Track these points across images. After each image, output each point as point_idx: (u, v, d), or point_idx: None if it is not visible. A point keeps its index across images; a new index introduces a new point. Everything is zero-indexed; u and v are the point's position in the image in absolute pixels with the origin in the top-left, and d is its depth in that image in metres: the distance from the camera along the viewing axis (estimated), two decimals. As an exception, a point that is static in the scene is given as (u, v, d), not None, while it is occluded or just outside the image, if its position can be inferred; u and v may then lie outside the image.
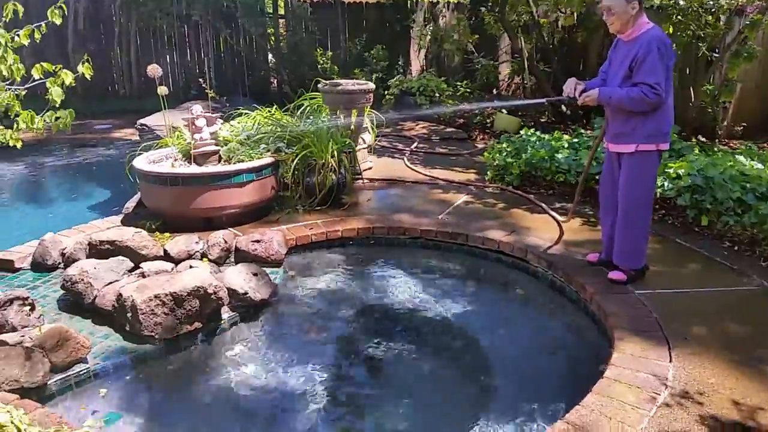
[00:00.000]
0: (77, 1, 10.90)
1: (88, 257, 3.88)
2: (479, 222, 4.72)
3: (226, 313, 3.41)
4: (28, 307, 3.04)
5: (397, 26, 11.27)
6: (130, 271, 3.65)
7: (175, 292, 3.14)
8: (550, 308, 3.82)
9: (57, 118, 2.69)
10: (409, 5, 11.41)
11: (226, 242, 4.10)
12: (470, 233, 4.48)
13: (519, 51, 8.83)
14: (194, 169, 4.75)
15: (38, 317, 3.08)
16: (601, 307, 3.36)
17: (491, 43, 10.32)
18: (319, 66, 10.36)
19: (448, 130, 8.36)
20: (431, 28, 10.72)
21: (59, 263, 3.94)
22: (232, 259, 4.11)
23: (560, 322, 3.66)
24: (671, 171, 4.60)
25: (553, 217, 4.79)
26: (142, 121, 7.52)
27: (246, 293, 3.46)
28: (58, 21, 2.78)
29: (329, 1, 11.46)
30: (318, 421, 2.71)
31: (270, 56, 11.74)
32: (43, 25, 2.72)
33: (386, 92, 9.41)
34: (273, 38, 11.60)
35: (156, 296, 3.11)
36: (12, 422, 1.68)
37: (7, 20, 2.67)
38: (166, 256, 3.95)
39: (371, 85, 6.00)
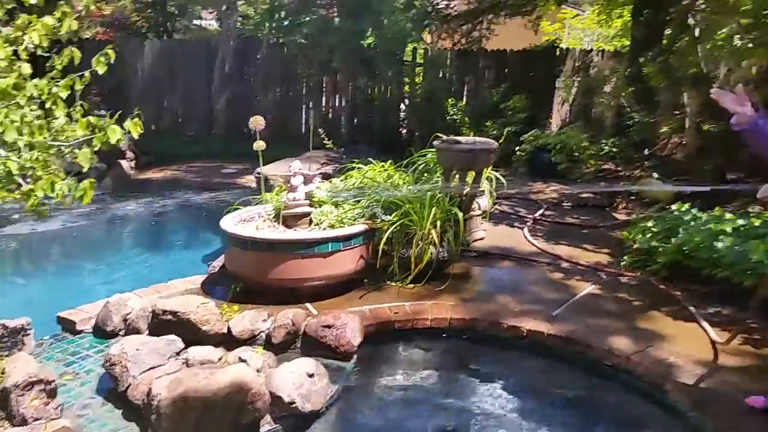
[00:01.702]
0: (226, 43, 11.47)
1: (148, 327, 3.60)
2: (606, 324, 3.78)
3: (266, 425, 2.86)
4: (46, 395, 2.72)
5: (543, 75, 10.38)
6: (178, 353, 3.25)
7: (207, 397, 2.66)
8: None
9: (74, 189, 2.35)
10: (558, 53, 10.54)
11: (293, 324, 3.60)
12: (591, 342, 3.56)
13: (681, 106, 7.58)
14: (273, 234, 4.35)
15: (56, 407, 2.74)
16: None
17: (648, 95, 9.09)
18: (448, 117, 9.78)
19: (584, 195, 7.31)
20: (578, 78, 9.74)
21: (120, 330, 3.68)
22: (299, 345, 3.59)
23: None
24: None
25: (705, 331, 3.68)
26: (259, 169, 7.45)
27: (293, 402, 2.88)
28: (101, 70, 2.54)
29: (472, 49, 10.96)
30: None
31: (402, 106, 11.45)
32: (87, 74, 2.47)
33: (518, 148, 8.61)
34: (408, 87, 11.29)
35: (184, 398, 2.64)
36: None
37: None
38: (229, 335, 3.55)
39: (494, 144, 5.26)
